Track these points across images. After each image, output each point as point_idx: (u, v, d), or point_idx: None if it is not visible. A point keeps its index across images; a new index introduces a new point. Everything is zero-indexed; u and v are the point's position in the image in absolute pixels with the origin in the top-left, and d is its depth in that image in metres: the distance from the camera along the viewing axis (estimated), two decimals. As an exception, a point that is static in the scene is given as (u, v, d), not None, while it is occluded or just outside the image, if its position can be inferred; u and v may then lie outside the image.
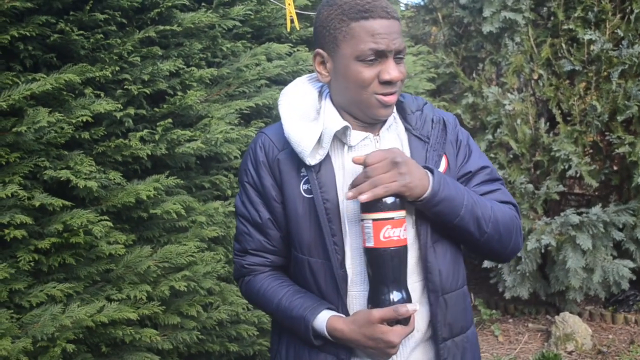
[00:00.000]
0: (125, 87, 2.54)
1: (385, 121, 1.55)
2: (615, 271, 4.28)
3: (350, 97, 1.49)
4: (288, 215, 1.53)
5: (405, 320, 1.39)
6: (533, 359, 4.12)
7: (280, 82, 3.27)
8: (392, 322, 1.38)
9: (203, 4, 2.95)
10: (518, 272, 4.57)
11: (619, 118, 4.24)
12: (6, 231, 2.14)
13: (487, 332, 4.72)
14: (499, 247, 1.58)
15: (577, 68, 4.42)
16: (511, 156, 4.68)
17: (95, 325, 2.31)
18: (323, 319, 1.45)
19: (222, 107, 2.89)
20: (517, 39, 4.62)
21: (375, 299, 1.40)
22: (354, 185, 1.38)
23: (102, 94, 2.47)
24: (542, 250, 4.42)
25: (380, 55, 1.43)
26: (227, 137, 2.76)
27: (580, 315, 4.62)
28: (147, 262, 2.52)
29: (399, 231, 1.36)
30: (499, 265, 4.66)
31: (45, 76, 2.25)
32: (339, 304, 1.49)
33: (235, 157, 2.93)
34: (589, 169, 4.38)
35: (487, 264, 4.63)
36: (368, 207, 1.37)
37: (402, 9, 6.04)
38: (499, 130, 4.66)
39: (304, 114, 1.52)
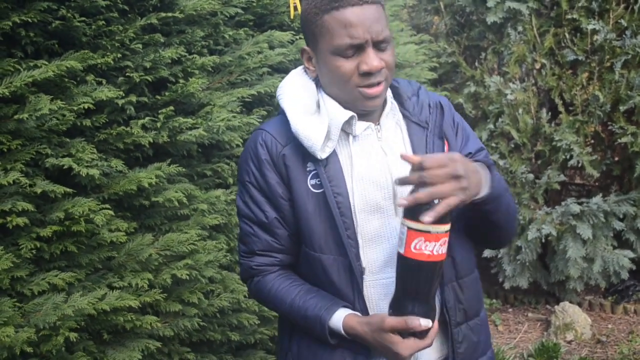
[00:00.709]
0: (127, 74, 2.52)
1: (383, 108, 1.53)
2: (616, 261, 4.29)
3: (335, 91, 1.47)
4: (297, 212, 1.49)
5: (421, 334, 1.37)
6: (532, 348, 4.14)
7: (282, 70, 3.25)
8: (406, 333, 1.36)
9: (205, -10, 2.93)
10: (518, 262, 4.57)
11: (621, 108, 4.23)
12: (8, 218, 2.14)
13: (487, 322, 4.72)
14: (506, 238, 1.64)
15: (580, 58, 4.40)
16: (512, 146, 4.67)
17: (97, 313, 2.31)
18: (339, 317, 1.44)
19: (224, 95, 2.88)
20: (520, 29, 4.59)
21: (396, 305, 1.38)
22: (403, 182, 1.33)
23: (104, 81, 2.45)
24: (543, 240, 4.42)
25: (357, 48, 1.39)
26: (229, 125, 2.75)
27: (579, 305, 4.63)
28: (148, 250, 2.52)
29: (433, 246, 1.29)
30: (499, 255, 4.66)
31: (46, 63, 2.24)
32: (355, 297, 1.48)
33: (237, 145, 2.92)
34: (591, 159, 4.37)
35: (487, 253, 4.63)
36: (409, 211, 1.31)
37: (404, -3, 6.00)
38: (500, 120, 4.65)
39: (307, 107, 1.50)
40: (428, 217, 1.26)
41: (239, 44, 3.06)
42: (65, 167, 2.26)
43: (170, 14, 2.62)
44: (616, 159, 4.53)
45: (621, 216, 4.31)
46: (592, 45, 4.37)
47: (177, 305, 2.63)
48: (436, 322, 1.39)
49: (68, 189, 2.28)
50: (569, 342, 4.24)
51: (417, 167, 1.28)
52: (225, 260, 2.86)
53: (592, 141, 4.61)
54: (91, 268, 2.43)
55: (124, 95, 2.48)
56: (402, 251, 1.32)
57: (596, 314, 4.67)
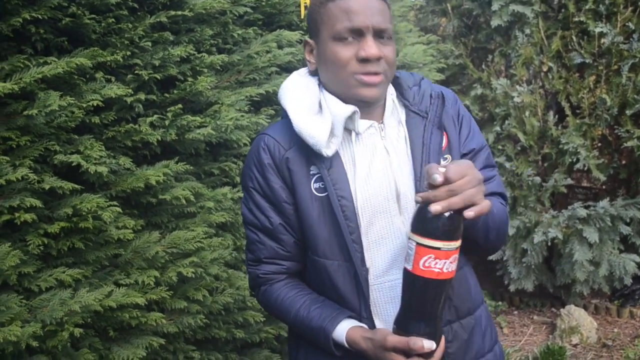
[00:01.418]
0: (136, 72, 2.53)
1: (384, 106, 1.52)
2: (622, 265, 4.28)
3: (332, 79, 1.46)
4: (301, 217, 1.48)
5: (427, 355, 1.30)
6: (538, 351, 4.12)
7: (290, 69, 3.25)
8: (411, 353, 1.30)
9: (214, -11, 2.94)
10: (523, 265, 4.56)
11: (628, 112, 4.22)
12: (16, 214, 2.14)
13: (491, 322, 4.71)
14: (492, 251, 1.61)
15: (587, 61, 4.39)
16: (519, 148, 4.66)
17: (103, 310, 2.32)
18: (343, 329, 1.41)
19: (233, 93, 2.88)
20: (527, 31, 4.59)
21: (401, 322, 1.33)
22: (430, 198, 1.22)
23: (113, 79, 2.46)
24: (549, 243, 4.41)
25: (357, 34, 1.39)
26: (237, 124, 2.75)
27: (585, 308, 4.62)
28: (155, 247, 2.52)
29: (443, 264, 1.23)
30: (505, 258, 4.65)
31: (56, 60, 2.25)
32: (361, 303, 1.46)
33: (245, 144, 2.93)
34: (597, 163, 4.36)
35: (493, 256, 4.62)
36: (418, 226, 1.24)
37: (412, 0, 6.00)
38: (507, 122, 4.64)
39: (310, 107, 1.48)
40: (438, 206, 1.19)
41: (248, 43, 3.07)
42: (74, 163, 2.27)
43: (179, 13, 2.63)
44: (623, 162, 4.52)
45: (628, 220, 4.30)
46: (599, 48, 4.36)
47: (182, 302, 2.64)
48: (443, 341, 1.34)
49: (76, 186, 2.29)
50: (575, 346, 4.22)
51: (443, 182, 1.21)
52: (231, 257, 2.86)
53: (599, 144, 4.60)
54: (98, 265, 2.44)
55: (132, 92, 2.49)
56: (409, 267, 1.26)
57: (602, 318, 4.66)
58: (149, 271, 2.51)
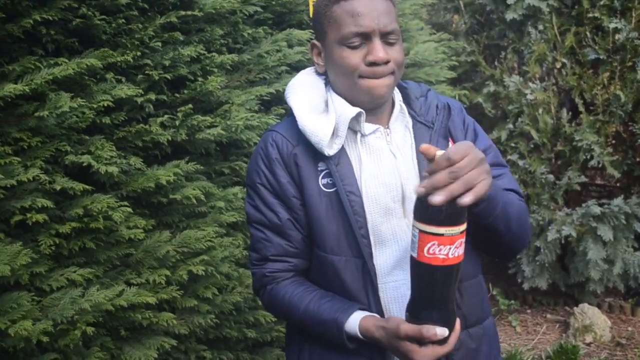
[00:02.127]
0: (146, 72, 2.54)
1: (392, 112, 1.53)
2: (636, 263, 4.24)
3: (341, 83, 1.46)
4: (309, 212, 1.48)
5: (440, 341, 1.29)
6: (551, 350, 4.10)
7: (300, 68, 3.20)
8: (425, 341, 1.29)
9: (224, -11, 2.94)
10: (537, 263, 4.53)
11: (643, 108, 4.18)
12: (28, 215, 2.16)
13: (505, 323, 4.70)
14: (518, 245, 1.53)
15: (601, 57, 4.35)
16: (532, 146, 4.63)
17: (115, 309, 2.33)
18: (355, 320, 1.39)
19: (243, 93, 2.89)
20: (541, 27, 4.55)
21: (413, 309, 1.32)
22: (432, 185, 1.18)
23: (124, 79, 2.47)
24: (562, 241, 4.38)
25: (364, 38, 1.40)
26: (247, 124, 2.75)
27: (599, 306, 4.58)
28: (166, 246, 2.53)
29: (448, 249, 1.20)
30: (518, 256, 4.62)
31: (67, 61, 2.26)
32: (370, 299, 1.45)
33: (255, 144, 2.93)
34: (611, 160, 4.32)
35: (505, 254, 4.58)
36: (420, 213, 1.22)
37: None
38: (520, 120, 4.61)
39: (315, 106, 1.49)
40: (467, 198, 1.16)
41: (258, 42, 3.07)
42: (85, 164, 2.28)
43: (189, 13, 2.63)
44: (637, 159, 4.47)
45: (643, 218, 4.26)
46: (613, 44, 4.32)
47: (192, 300, 2.65)
48: (458, 324, 1.33)
49: (87, 186, 2.30)
50: (588, 345, 4.19)
51: (444, 165, 1.18)
52: (242, 256, 2.86)
53: (613, 141, 4.55)
54: (109, 265, 2.45)
55: (143, 93, 2.50)
56: (415, 255, 1.24)
57: (616, 316, 4.62)
58: (159, 270, 2.53)
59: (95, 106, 2.32)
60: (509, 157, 4.61)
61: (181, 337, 2.71)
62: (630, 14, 4.26)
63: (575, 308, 4.44)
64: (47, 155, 2.24)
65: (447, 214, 1.20)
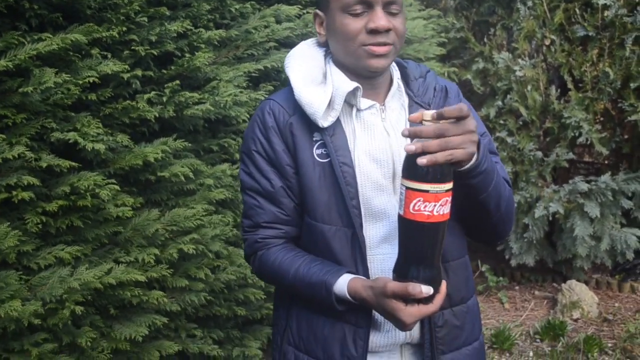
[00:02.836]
0: (132, 48, 2.50)
1: (389, 89, 1.54)
2: (623, 239, 4.27)
3: (341, 51, 1.47)
4: (302, 181, 1.49)
5: (426, 300, 1.31)
6: (539, 326, 4.14)
7: (289, 44, 3.21)
8: (411, 300, 1.31)
9: (211, -37, 2.89)
10: (525, 240, 4.56)
11: (632, 85, 4.18)
12: (13, 193, 2.13)
13: (494, 299, 4.73)
14: (502, 229, 1.55)
15: (590, 34, 4.34)
16: (521, 123, 4.63)
17: (104, 287, 2.32)
18: (344, 281, 1.41)
19: (231, 69, 2.85)
20: (530, 4, 4.53)
21: (399, 269, 1.34)
22: (415, 134, 1.23)
23: (109, 55, 2.43)
24: (550, 218, 4.40)
25: (367, 6, 1.41)
26: (236, 100, 2.73)
27: (586, 283, 4.62)
28: (155, 225, 2.51)
29: (433, 206, 1.23)
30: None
31: (51, 36, 2.21)
32: (359, 269, 1.47)
33: (244, 121, 2.90)
34: (600, 137, 4.33)
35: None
36: (406, 171, 1.25)
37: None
38: (509, 97, 4.60)
39: (313, 77, 1.49)
40: (424, 159, 1.20)
41: (246, 17, 3.03)
42: (71, 141, 2.25)
43: (176, -13, 2.59)
44: (626, 136, 4.48)
45: (630, 194, 4.28)
46: (602, 21, 4.31)
47: (183, 280, 2.64)
48: (444, 285, 1.35)
49: (74, 163, 2.27)
50: (576, 320, 4.23)
51: (437, 117, 1.22)
52: (232, 234, 2.85)
53: (602, 118, 4.56)
54: (97, 243, 2.43)
55: (129, 69, 2.46)
56: (401, 212, 1.27)
57: (603, 292, 4.66)
58: (148, 249, 2.51)
59: (80, 82, 2.28)
60: (497, 134, 4.62)
61: (171, 315, 2.70)
62: (619, -10, 4.25)
63: (562, 284, 4.47)
64: (33, 132, 2.21)
65: (433, 171, 1.22)
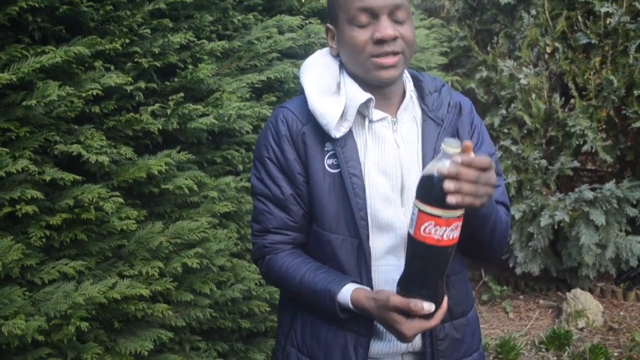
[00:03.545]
0: (136, 60, 2.49)
1: (402, 101, 1.54)
2: (629, 247, 4.25)
3: (351, 63, 1.48)
4: (312, 190, 1.50)
5: (427, 315, 1.33)
6: (544, 336, 4.11)
7: (292, 55, 3.21)
8: (412, 315, 1.33)
9: (214, -25, 2.89)
10: (529, 249, 4.54)
11: (636, 92, 4.16)
12: (17, 207, 2.12)
13: (498, 309, 4.70)
14: (491, 256, 1.61)
15: (593, 41, 4.33)
16: (525, 131, 4.61)
17: (108, 302, 2.30)
18: (347, 291, 1.43)
19: (234, 80, 2.85)
20: (533, 12, 4.53)
21: (403, 284, 1.35)
22: (456, 176, 1.19)
23: (112, 67, 2.43)
24: (555, 227, 4.38)
25: (372, 16, 1.41)
26: (240, 114, 2.72)
27: (591, 291, 4.60)
28: (158, 238, 2.50)
29: (444, 231, 1.23)
30: (511, 241, 4.63)
31: (54, 49, 2.21)
32: (364, 279, 1.48)
33: (247, 132, 2.90)
34: (604, 145, 4.32)
35: (498, 240, 4.58)
36: (421, 193, 1.24)
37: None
38: (512, 105, 4.59)
39: (327, 87, 1.51)
40: (453, 200, 1.18)
41: (248, 28, 3.03)
42: (75, 154, 2.24)
43: (178, -1, 2.59)
44: (629, 144, 4.47)
45: (634, 202, 4.26)
46: (605, 28, 4.30)
47: (188, 295, 2.62)
48: (445, 300, 1.37)
49: (77, 177, 2.26)
50: (581, 330, 4.21)
51: (466, 164, 1.19)
52: (237, 249, 2.84)
53: (605, 126, 4.54)
54: (101, 256, 2.42)
55: (132, 81, 2.46)
56: (411, 232, 1.27)
57: (608, 301, 4.64)
58: (152, 262, 2.50)
59: (84, 95, 2.28)
60: (502, 142, 4.60)
61: (176, 329, 2.68)
62: (621, -2, 4.24)
63: (567, 293, 4.44)
64: (36, 146, 2.20)
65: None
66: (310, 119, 1.50)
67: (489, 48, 4.90)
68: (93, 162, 2.25)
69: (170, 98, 2.54)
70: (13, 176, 2.14)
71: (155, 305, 2.50)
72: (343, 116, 1.46)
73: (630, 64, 4.16)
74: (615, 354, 3.88)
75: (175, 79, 2.62)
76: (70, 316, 2.20)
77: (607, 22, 4.27)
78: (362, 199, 1.46)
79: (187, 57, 2.67)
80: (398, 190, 1.49)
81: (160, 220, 2.60)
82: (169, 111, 2.55)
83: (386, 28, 1.39)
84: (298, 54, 3.23)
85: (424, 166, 1.49)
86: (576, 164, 4.42)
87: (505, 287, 4.90)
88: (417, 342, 1.53)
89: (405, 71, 1.57)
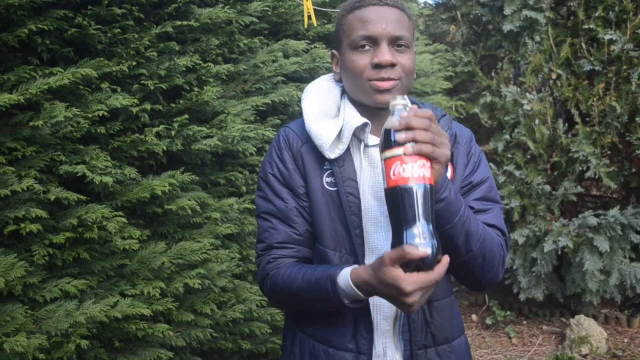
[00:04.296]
0: (142, 82, 2.53)
1: None
2: (632, 274, 4.23)
3: (352, 86, 1.53)
4: (312, 206, 1.53)
5: (427, 267, 1.24)
6: (547, 362, 4.09)
7: (296, 79, 3.25)
8: (410, 267, 1.25)
9: (220, -1, 2.94)
10: (533, 274, 4.52)
11: (639, 119, 4.18)
12: (22, 225, 2.14)
13: (501, 334, 4.68)
14: (479, 272, 1.52)
15: (596, 68, 4.36)
16: (528, 156, 4.63)
17: (109, 321, 2.31)
18: (347, 271, 1.39)
19: (239, 103, 2.88)
20: (537, 38, 4.56)
21: (394, 242, 1.28)
22: (407, 126, 1.25)
23: (119, 89, 2.46)
24: (559, 252, 4.37)
25: (372, 42, 1.46)
26: (243, 136, 2.75)
27: (595, 318, 4.57)
28: (161, 258, 2.51)
29: (411, 167, 1.23)
30: (514, 267, 4.62)
31: (62, 70, 2.25)
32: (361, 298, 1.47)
33: (251, 154, 2.92)
34: (608, 171, 4.32)
35: (502, 264, 4.57)
36: (383, 145, 1.27)
37: (420, 6, 5.99)
38: (516, 130, 4.61)
39: (327, 110, 1.55)
40: (410, 149, 1.22)
41: (254, 52, 3.07)
42: (79, 174, 2.27)
43: (185, 23, 2.63)
44: (634, 170, 4.47)
45: (639, 229, 4.25)
46: (608, 55, 4.33)
47: (189, 315, 2.63)
48: (446, 257, 1.28)
49: (81, 196, 2.29)
50: (584, 356, 4.18)
51: (413, 114, 1.26)
52: (238, 270, 2.85)
53: (609, 152, 4.55)
54: (103, 275, 2.43)
55: (138, 103, 2.49)
56: (385, 186, 1.26)
57: (612, 328, 4.61)
58: (154, 282, 2.51)
59: (90, 116, 2.31)
60: (505, 167, 4.61)
61: (176, 349, 2.68)
62: (625, 26, 4.28)
63: (571, 319, 4.42)
64: (42, 165, 2.23)
65: (405, 138, 1.24)
66: (310, 138, 1.54)
67: (493, 73, 4.94)
68: (97, 182, 2.28)
69: (175, 120, 2.58)
70: (18, 195, 2.17)
71: (156, 325, 2.51)
72: (339, 138, 1.50)
73: (634, 91, 4.18)
74: (619, 382, 3.85)
75: (181, 101, 2.66)
76: (70, 334, 2.21)
77: (611, 49, 4.31)
78: (359, 217, 1.49)
79: (192, 79, 2.70)
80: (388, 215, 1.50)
81: (163, 240, 2.62)
82: (173, 132, 2.58)
83: (384, 54, 1.43)
84: (303, 78, 3.27)
85: None
86: (580, 189, 4.43)
87: (508, 312, 4.88)
88: None
89: (408, 99, 1.60)
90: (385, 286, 1.29)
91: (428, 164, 1.26)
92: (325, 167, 1.53)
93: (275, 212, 1.57)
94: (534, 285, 4.58)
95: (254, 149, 2.87)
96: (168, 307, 2.52)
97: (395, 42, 1.46)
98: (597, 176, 4.34)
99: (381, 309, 1.52)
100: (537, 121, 4.51)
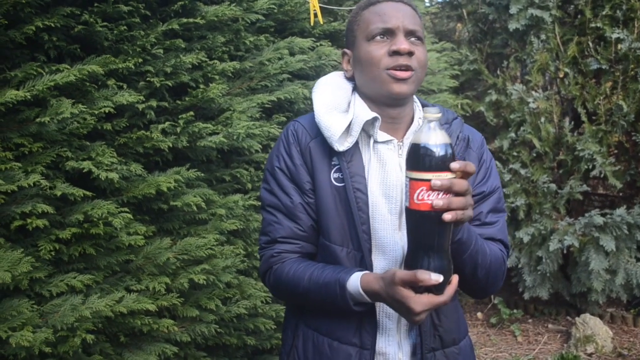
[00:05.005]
0: (148, 79, 2.54)
1: (409, 127, 1.58)
2: (639, 274, 4.22)
3: (366, 79, 1.53)
4: (318, 201, 1.54)
5: (437, 290, 1.29)
6: (552, 360, 4.09)
7: (302, 76, 3.26)
8: (421, 288, 1.29)
9: (227, -3, 2.95)
10: (538, 273, 4.52)
11: (645, 118, 4.18)
12: (28, 220, 2.16)
13: (507, 332, 4.68)
14: (481, 290, 1.60)
15: (603, 67, 4.35)
16: (534, 155, 4.62)
17: (114, 316, 2.33)
18: (357, 277, 1.42)
19: (244, 100, 2.89)
20: (543, 37, 4.56)
21: (409, 260, 1.33)
22: (446, 188, 1.25)
23: (125, 86, 2.47)
24: (564, 251, 4.37)
25: (389, 33, 1.49)
26: (249, 133, 2.76)
27: (601, 317, 4.57)
28: (166, 253, 2.53)
29: (436, 195, 1.23)
30: (520, 265, 4.62)
31: (69, 67, 2.26)
32: None
33: (257, 151, 2.93)
34: (614, 170, 4.32)
35: (508, 263, 4.57)
36: (410, 162, 1.27)
37: (427, 4, 5.99)
38: (522, 129, 4.61)
39: (337, 104, 1.56)
40: (449, 216, 1.22)
41: (260, 50, 3.08)
42: (85, 170, 2.28)
43: (191, 20, 2.64)
44: (640, 169, 4.47)
45: (645, 228, 4.24)
46: (616, 54, 4.32)
47: (194, 310, 2.64)
48: (455, 278, 1.34)
49: (87, 192, 2.30)
50: (590, 355, 4.17)
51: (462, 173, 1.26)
52: (243, 266, 2.86)
53: (616, 151, 4.54)
54: (109, 271, 2.45)
55: (144, 99, 2.51)
56: (407, 204, 1.28)
57: (618, 327, 4.60)
58: (160, 277, 2.52)
59: (96, 112, 2.33)
60: (511, 165, 4.61)
61: (181, 344, 2.70)
62: (632, 24, 4.27)
63: (577, 318, 4.42)
64: (48, 161, 2.25)
65: (436, 160, 1.24)
66: (319, 133, 1.54)
67: (498, 71, 4.93)
68: (103, 178, 2.30)
69: (180, 116, 2.59)
70: (25, 190, 2.18)
71: (161, 320, 2.53)
72: (348, 131, 1.50)
73: (641, 90, 4.18)
74: (624, 381, 3.85)
75: (187, 98, 2.67)
76: (76, 328, 2.23)
77: (618, 47, 4.30)
78: (366, 213, 1.49)
79: (198, 76, 2.71)
80: (397, 213, 1.51)
81: (169, 236, 2.64)
82: (179, 129, 2.59)
83: (402, 42, 1.46)
84: (309, 75, 3.28)
85: None
86: (586, 188, 4.42)
87: (514, 311, 4.88)
88: None
89: (417, 99, 1.61)
90: (394, 302, 1.35)
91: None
92: (333, 163, 1.53)
93: (281, 206, 1.57)
94: (539, 284, 4.58)
95: (260, 146, 2.89)
96: (173, 303, 2.54)
97: (410, 35, 1.49)
98: (602, 175, 4.33)
99: (385, 308, 1.53)
100: (543, 119, 4.51)
